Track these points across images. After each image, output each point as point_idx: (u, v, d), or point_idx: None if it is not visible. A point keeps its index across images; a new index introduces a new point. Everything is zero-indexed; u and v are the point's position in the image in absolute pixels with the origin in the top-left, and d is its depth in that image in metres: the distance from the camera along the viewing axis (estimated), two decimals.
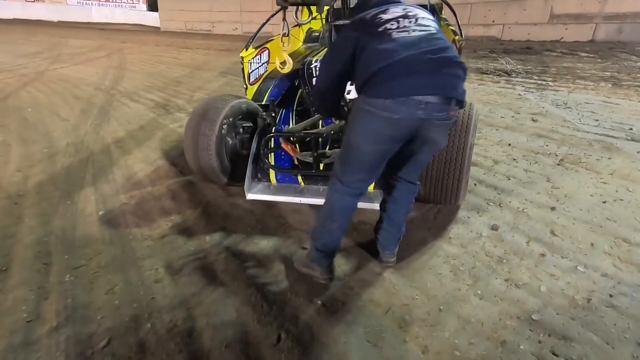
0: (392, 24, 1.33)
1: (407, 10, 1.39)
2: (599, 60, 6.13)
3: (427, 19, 1.39)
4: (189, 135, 2.30)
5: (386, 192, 1.69)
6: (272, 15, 3.12)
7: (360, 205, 2.11)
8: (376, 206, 2.09)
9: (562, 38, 9.76)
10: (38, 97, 5.33)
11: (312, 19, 4.71)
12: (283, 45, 2.52)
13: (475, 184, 2.44)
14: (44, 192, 2.53)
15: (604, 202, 2.18)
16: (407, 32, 1.31)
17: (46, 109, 4.70)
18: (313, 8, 4.62)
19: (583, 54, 6.75)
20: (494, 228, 1.97)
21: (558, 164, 2.68)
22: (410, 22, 1.34)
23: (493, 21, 11.02)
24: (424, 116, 1.27)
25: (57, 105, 4.84)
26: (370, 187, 2.18)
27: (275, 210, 2.23)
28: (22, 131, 3.84)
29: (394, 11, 1.38)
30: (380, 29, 1.33)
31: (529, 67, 5.91)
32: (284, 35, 2.48)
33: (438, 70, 1.27)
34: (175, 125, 3.94)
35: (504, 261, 1.73)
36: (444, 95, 1.27)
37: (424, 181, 1.96)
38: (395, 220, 1.67)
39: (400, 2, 1.45)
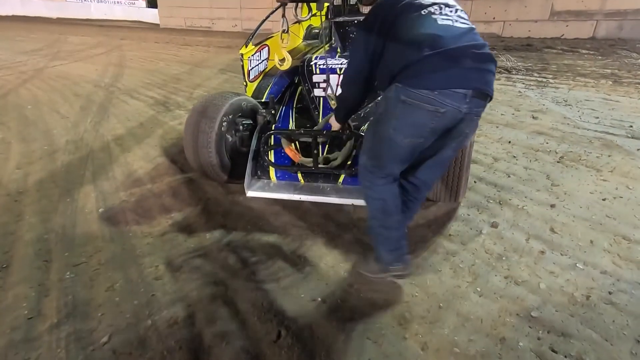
0: (434, 8, 1.28)
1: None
2: (600, 57, 6.11)
3: (464, 12, 1.35)
4: (189, 133, 2.29)
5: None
6: (272, 12, 3.11)
7: (361, 202, 2.12)
8: None
9: (562, 35, 9.72)
10: (37, 94, 5.32)
11: (312, 15, 4.71)
12: (282, 42, 2.52)
13: (475, 182, 2.44)
14: (44, 190, 2.53)
15: (604, 200, 2.18)
16: (450, 22, 1.26)
17: (46, 106, 4.69)
18: (313, 5, 4.61)
19: (584, 51, 6.72)
20: (494, 225, 1.97)
21: (558, 162, 2.68)
22: (451, 11, 1.30)
23: (494, 18, 10.96)
24: (467, 110, 1.25)
25: (56, 103, 4.83)
26: None
27: (275, 207, 2.23)
28: (22, 128, 3.84)
29: None
30: (423, 12, 1.27)
31: (530, 64, 5.89)
32: (283, 32, 2.47)
33: (482, 65, 1.25)
34: (175, 123, 3.93)
35: (504, 258, 1.73)
36: (485, 91, 1.26)
37: None
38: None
39: None
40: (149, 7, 22.86)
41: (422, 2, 1.31)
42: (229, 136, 2.36)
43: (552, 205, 2.14)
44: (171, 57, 8.54)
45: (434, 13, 1.27)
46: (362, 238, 1.92)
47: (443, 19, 1.27)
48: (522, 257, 1.72)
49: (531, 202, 2.19)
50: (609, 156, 2.73)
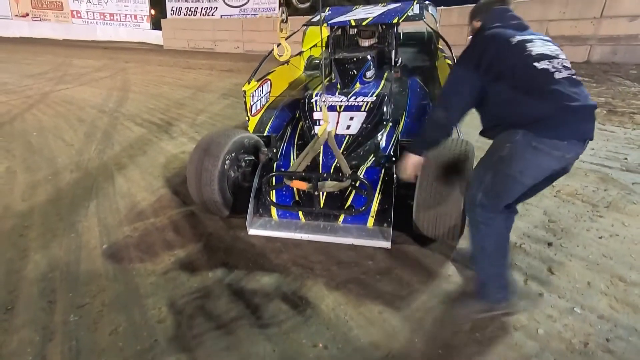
0: (547, 63, 1.44)
1: (546, 44, 1.51)
2: (594, 84, 6.25)
3: (565, 56, 1.51)
4: (192, 170, 2.35)
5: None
6: (270, 52, 3.22)
7: (364, 242, 2.14)
8: (380, 244, 2.12)
9: None
10: (43, 119, 5.42)
11: (313, 46, 4.85)
12: (281, 32, 2.49)
13: None
14: (48, 223, 2.57)
15: (600, 238, 2.21)
16: (560, 73, 1.43)
17: (51, 132, 4.78)
18: (314, 36, 4.76)
19: (579, 78, 6.88)
20: None
21: (555, 196, 2.73)
22: (558, 63, 1.46)
23: None
24: (578, 156, 1.48)
25: (61, 129, 4.92)
26: (370, 223, 2.23)
27: (277, 244, 2.26)
28: (27, 156, 3.91)
29: (537, 43, 1.49)
30: (538, 66, 1.43)
31: None
32: (282, 21, 2.44)
33: (590, 118, 1.43)
34: (178, 151, 4.00)
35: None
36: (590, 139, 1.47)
37: (422, 217, 2.01)
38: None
39: (528, 27, 1.61)
40: (153, 29, 23.46)
41: (533, 50, 1.46)
42: (231, 172, 2.41)
43: (549, 244, 2.17)
44: (175, 81, 8.72)
45: (549, 70, 1.43)
46: (363, 278, 1.95)
47: (556, 73, 1.43)
48: (520, 299, 1.74)
49: (529, 240, 2.22)
50: (605, 190, 2.78)
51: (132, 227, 2.51)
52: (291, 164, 2.47)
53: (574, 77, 1.46)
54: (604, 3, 9.26)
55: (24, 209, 2.78)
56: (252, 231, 2.25)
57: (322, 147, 2.43)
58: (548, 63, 1.43)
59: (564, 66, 1.45)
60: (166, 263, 2.11)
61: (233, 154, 2.41)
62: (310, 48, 4.71)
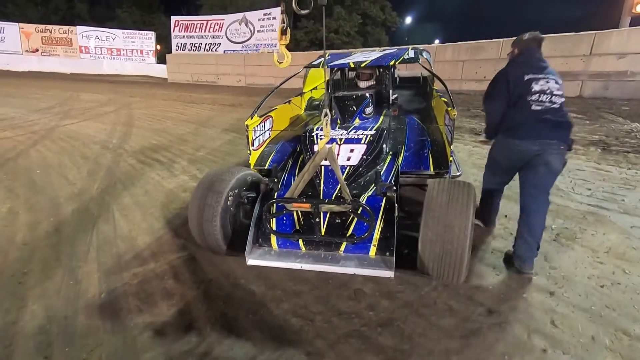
0: (537, 97, 2.24)
1: (548, 82, 2.26)
2: (587, 121, 6.40)
3: (558, 90, 2.27)
4: (195, 206, 2.36)
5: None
6: (272, 92, 3.34)
7: (366, 272, 2.12)
8: (383, 273, 2.08)
9: None
10: (47, 156, 5.51)
11: (313, 89, 5.02)
12: (282, 40, 2.46)
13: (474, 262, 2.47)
14: (47, 269, 2.56)
15: (602, 287, 2.20)
16: (540, 105, 2.25)
17: (54, 170, 4.84)
18: (315, 79, 4.93)
19: (572, 114, 7.05)
20: (494, 314, 1.98)
21: (554, 240, 2.74)
22: (546, 98, 2.24)
23: (484, 77, 11.59)
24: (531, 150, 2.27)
25: (65, 166, 4.99)
26: (372, 252, 2.19)
27: (277, 292, 2.24)
28: (30, 196, 3.94)
29: (540, 82, 2.26)
30: (528, 98, 2.25)
31: None
32: (283, 28, 2.42)
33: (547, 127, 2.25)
34: (179, 190, 4.04)
35: (506, 357, 1.72)
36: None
37: (427, 255, 2.04)
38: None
39: (546, 67, 2.33)
40: (158, 62, 24.29)
41: (533, 88, 2.25)
42: (233, 209, 2.42)
43: (552, 293, 2.16)
44: (177, 116, 8.92)
45: (534, 100, 2.26)
46: (363, 330, 1.92)
47: (535, 106, 2.26)
48: (524, 357, 1.72)
49: (530, 288, 2.21)
50: (604, 234, 2.79)
51: (131, 273, 2.50)
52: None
53: (554, 106, 2.22)
54: (592, 42, 9.66)
55: (24, 253, 2.77)
56: (250, 261, 2.21)
57: (323, 176, 2.46)
58: (537, 97, 2.24)
59: (550, 100, 2.22)
60: (165, 315, 2.08)
61: (236, 191, 2.43)
62: (311, 90, 4.88)
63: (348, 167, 2.61)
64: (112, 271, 2.53)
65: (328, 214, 2.35)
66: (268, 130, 3.50)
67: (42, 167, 4.99)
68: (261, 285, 2.31)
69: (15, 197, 3.91)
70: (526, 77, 2.26)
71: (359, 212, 2.24)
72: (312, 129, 3.05)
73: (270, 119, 3.54)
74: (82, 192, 4.02)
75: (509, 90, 2.29)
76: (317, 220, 2.17)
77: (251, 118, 3.04)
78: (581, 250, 2.60)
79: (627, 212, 3.13)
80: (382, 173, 2.64)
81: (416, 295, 2.17)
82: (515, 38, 2.50)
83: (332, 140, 2.74)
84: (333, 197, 2.41)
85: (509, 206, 3.34)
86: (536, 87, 2.23)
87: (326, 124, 2.30)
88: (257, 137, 3.19)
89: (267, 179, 2.69)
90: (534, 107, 2.22)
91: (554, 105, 2.21)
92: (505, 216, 3.14)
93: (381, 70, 4.01)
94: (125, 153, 5.69)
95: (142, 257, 2.70)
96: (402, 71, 4.77)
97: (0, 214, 3.50)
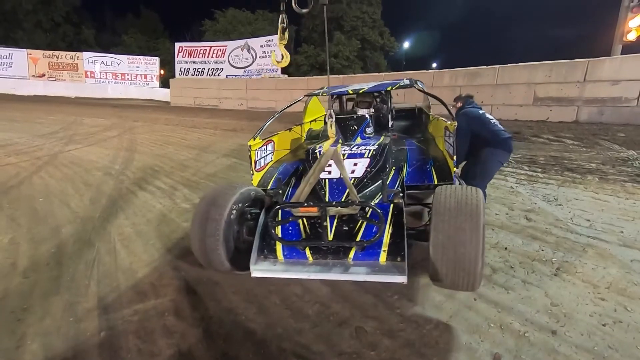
0: (495, 122, 3.52)
1: (489, 115, 3.64)
2: (584, 149, 6.49)
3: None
4: (197, 222, 2.31)
5: None
6: (273, 118, 3.42)
7: (378, 279, 2.05)
8: (395, 279, 2.01)
9: (548, 118, 10.45)
10: (50, 183, 5.55)
11: (312, 120, 5.13)
12: (281, 40, 2.46)
13: (475, 299, 2.47)
14: (47, 305, 2.55)
15: (604, 325, 2.19)
16: (497, 126, 3.54)
17: (57, 198, 4.87)
18: (315, 110, 5.04)
19: (569, 142, 7.15)
20: (497, 358, 1.97)
21: (555, 274, 2.74)
22: (495, 123, 3.51)
23: (482, 102, 11.82)
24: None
25: (67, 194, 5.03)
26: (382, 258, 2.10)
27: (277, 331, 2.23)
28: (32, 226, 3.95)
29: (487, 115, 3.62)
30: (491, 122, 3.52)
31: (518, 156, 6.23)
32: (282, 28, 2.41)
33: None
34: (181, 220, 4.06)
35: None
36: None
37: (439, 261, 1.96)
38: None
39: (481, 108, 3.75)
40: (161, 87, 24.79)
41: (489, 118, 3.55)
42: (236, 226, 2.37)
43: (554, 332, 2.15)
44: (179, 141, 9.04)
45: (495, 123, 3.51)
46: None
47: (495, 126, 3.49)
48: None
49: (532, 327, 2.20)
50: (604, 268, 2.80)
51: (132, 309, 2.49)
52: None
53: (500, 125, 3.48)
54: (585, 68, 9.91)
55: (24, 288, 2.77)
56: (255, 273, 2.14)
57: (328, 188, 2.46)
58: (495, 122, 3.47)
59: (499, 124, 3.50)
60: (164, 355, 2.07)
61: (240, 205, 2.40)
62: (311, 122, 4.98)
63: (352, 180, 2.60)
64: (112, 307, 2.52)
65: (335, 221, 2.29)
66: (270, 153, 3.54)
67: (45, 194, 5.02)
68: (262, 322, 2.30)
69: (17, 227, 3.93)
70: (480, 112, 3.58)
71: (368, 215, 2.20)
72: (316, 147, 3.08)
73: (272, 143, 3.61)
74: (84, 222, 4.04)
75: (469, 128, 3.44)
76: (325, 224, 2.09)
77: (254, 139, 3.06)
78: (582, 286, 2.60)
79: (626, 244, 3.14)
80: (387, 183, 2.64)
81: (417, 334, 2.16)
82: (457, 96, 3.92)
83: (337, 142, 2.75)
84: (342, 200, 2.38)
85: (508, 238, 3.36)
86: (488, 117, 3.53)
87: (331, 126, 2.28)
88: (259, 159, 3.21)
89: (272, 190, 2.66)
90: (496, 129, 3.42)
91: (501, 126, 3.49)
92: (505, 248, 3.15)
93: (378, 99, 4.15)
94: (127, 180, 5.74)
95: (143, 291, 2.70)
96: (397, 104, 4.91)
97: (1, 244, 3.51)
